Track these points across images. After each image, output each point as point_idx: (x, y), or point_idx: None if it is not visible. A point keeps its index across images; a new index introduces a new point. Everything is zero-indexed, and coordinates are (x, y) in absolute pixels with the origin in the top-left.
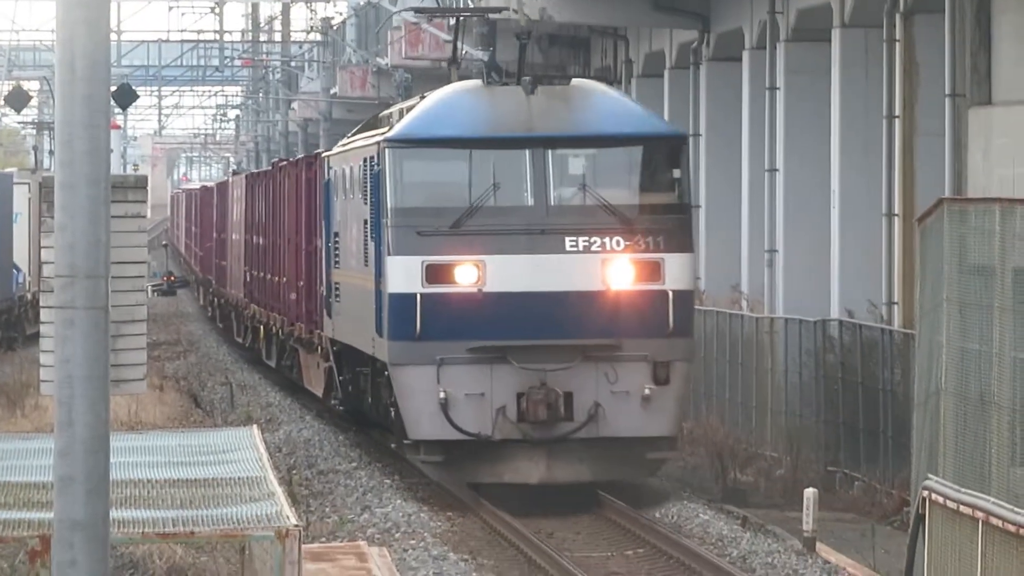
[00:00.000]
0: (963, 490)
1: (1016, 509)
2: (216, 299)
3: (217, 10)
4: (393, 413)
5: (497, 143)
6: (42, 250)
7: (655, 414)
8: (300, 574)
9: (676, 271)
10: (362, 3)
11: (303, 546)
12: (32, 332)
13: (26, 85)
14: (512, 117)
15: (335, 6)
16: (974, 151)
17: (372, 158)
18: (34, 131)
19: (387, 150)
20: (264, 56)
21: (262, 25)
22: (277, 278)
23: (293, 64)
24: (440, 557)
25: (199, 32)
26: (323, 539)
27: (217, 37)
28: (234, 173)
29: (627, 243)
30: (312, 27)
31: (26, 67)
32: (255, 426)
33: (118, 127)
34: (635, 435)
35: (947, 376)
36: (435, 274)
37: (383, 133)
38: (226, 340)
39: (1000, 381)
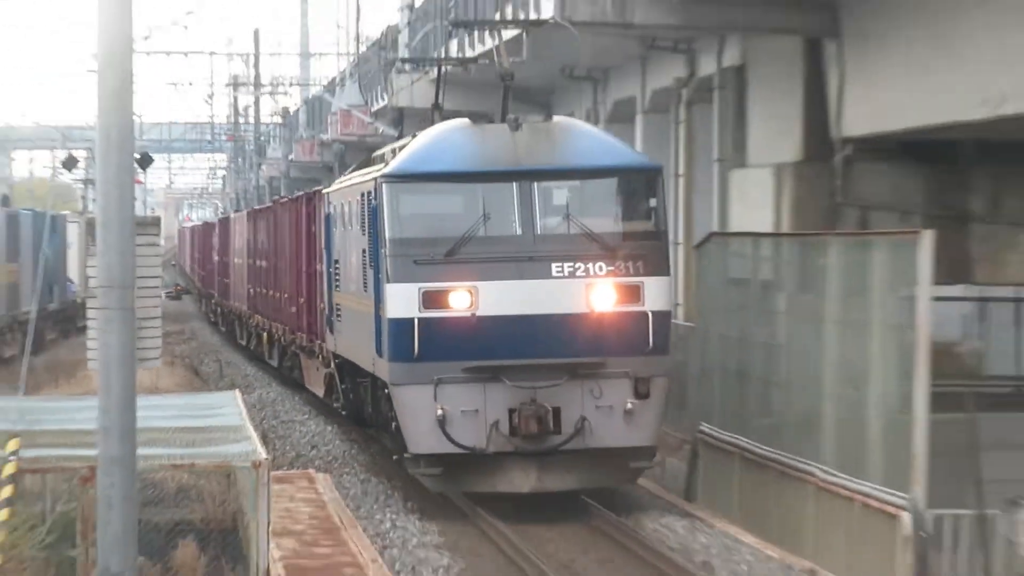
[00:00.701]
0: (725, 433)
1: (760, 445)
2: (219, 308)
3: (209, 100)
4: (394, 427)
5: (486, 177)
6: (88, 268)
7: (636, 426)
8: (269, 492)
9: (655, 293)
10: (310, 96)
11: (270, 472)
12: (80, 325)
13: (76, 153)
14: (499, 152)
15: (291, 97)
16: (734, 199)
17: (370, 193)
18: (82, 185)
19: (384, 185)
20: (242, 132)
21: (240, 111)
22: (279, 294)
23: (262, 138)
24: (366, 480)
25: (197, 116)
26: (285, 468)
27: (209, 119)
28: (235, 211)
29: (609, 268)
30: (275, 112)
31: (77, 140)
32: (237, 390)
33: (140, 182)
34: (618, 446)
35: (715, 356)
36: (431, 299)
37: (379, 170)
38: (217, 332)
39: (751, 359)
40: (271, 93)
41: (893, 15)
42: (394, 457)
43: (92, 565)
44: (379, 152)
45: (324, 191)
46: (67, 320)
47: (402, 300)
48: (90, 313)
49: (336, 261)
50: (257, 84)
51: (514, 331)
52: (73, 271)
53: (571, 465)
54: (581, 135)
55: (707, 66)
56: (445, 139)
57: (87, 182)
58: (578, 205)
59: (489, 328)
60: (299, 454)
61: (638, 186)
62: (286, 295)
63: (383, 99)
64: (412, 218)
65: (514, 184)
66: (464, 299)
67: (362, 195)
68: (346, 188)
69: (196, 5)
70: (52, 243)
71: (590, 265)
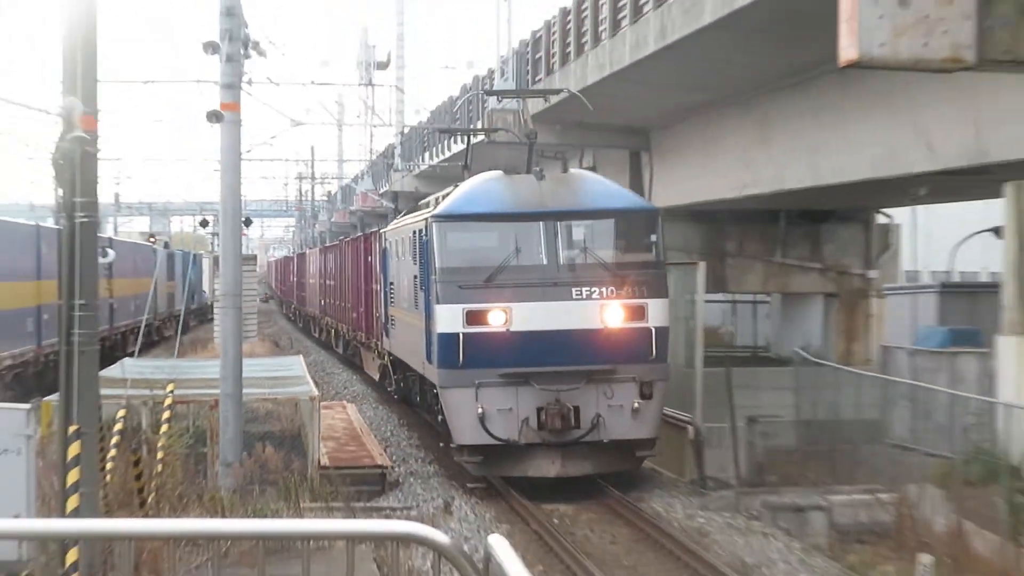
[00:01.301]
0: None
1: None
2: (298, 312)
3: (284, 187)
4: (440, 419)
5: (518, 217)
6: (214, 284)
7: (641, 422)
8: (319, 415)
9: (656, 312)
10: (344, 184)
11: (320, 403)
12: (209, 317)
13: (208, 217)
14: (528, 197)
15: (332, 185)
16: None
17: (421, 230)
18: (211, 235)
19: (434, 224)
20: (303, 205)
21: (303, 193)
22: (343, 304)
23: (316, 208)
24: (376, 407)
25: (277, 195)
26: (328, 400)
27: (284, 198)
28: (308, 248)
29: (619, 292)
30: (323, 194)
31: (208, 210)
32: (301, 356)
33: (245, 235)
34: (627, 438)
35: None
36: (473, 317)
37: (430, 212)
38: (291, 323)
39: None
40: (320, 182)
41: (680, 139)
42: (440, 444)
43: (216, 457)
44: (425, 200)
45: (381, 231)
46: (202, 314)
47: (449, 318)
48: (216, 310)
49: (391, 283)
50: (312, 177)
51: (541, 343)
52: (206, 286)
53: (588, 454)
54: (594, 183)
55: (573, 167)
56: (483, 187)
57: (214, 235)
58: (593, 240)
59: (521, 341)
60: (337, 392)
61: (641, 224)
62: (349, 304)
63: (386, 186)
64: (457, 251)
65: (540, 223)
66: (500, 317)
67: (414, 232)
68: (400, 227)
69: (278, 131)
70: (193, 270)
71: (603, 289)
